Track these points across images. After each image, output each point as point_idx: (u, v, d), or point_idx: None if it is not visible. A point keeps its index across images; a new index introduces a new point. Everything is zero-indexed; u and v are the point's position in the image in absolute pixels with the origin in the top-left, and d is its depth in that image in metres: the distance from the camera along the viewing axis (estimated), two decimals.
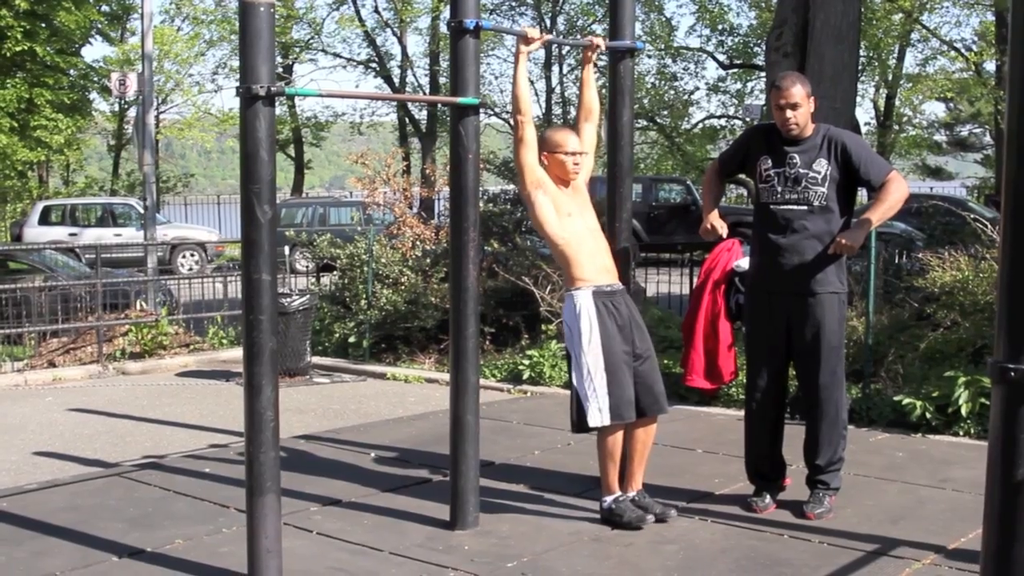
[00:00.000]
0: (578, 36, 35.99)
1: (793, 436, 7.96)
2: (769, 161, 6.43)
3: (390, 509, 6.63)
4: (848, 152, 6.20)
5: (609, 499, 6.25)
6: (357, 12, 39.93)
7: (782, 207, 6.36)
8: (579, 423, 6.15)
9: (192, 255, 28.42)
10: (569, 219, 6.19)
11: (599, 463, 6.26)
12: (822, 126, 6.39)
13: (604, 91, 8.01)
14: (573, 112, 38.04)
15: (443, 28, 35.24)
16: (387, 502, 6.81)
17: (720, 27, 37.26)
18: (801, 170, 6.28)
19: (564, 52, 38.18)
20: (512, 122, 6.19)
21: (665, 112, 38.00)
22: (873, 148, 36.37)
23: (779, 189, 6.37)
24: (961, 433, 8.50)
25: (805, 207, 6.26)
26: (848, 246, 6.08)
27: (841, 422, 6.44)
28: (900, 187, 6.16)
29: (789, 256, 6.34)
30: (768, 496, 6.56)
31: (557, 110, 38.57)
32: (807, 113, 6.28)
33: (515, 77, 6.18)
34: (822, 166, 6.22)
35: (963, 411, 8.45)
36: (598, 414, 6.04)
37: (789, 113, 6.25)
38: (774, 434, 6.69)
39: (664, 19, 38.65)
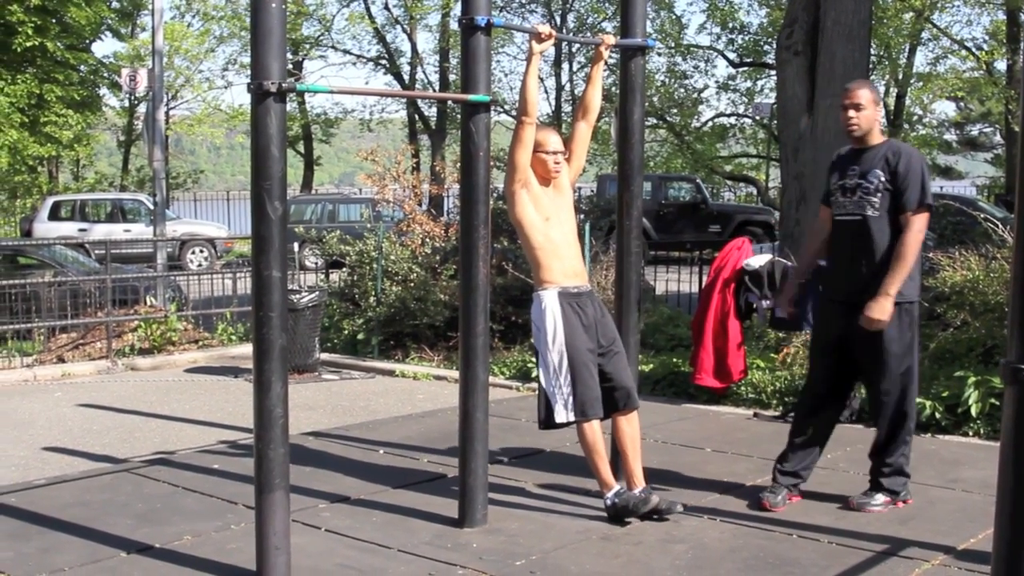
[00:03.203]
0: (588, 34, 35.98)
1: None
2: (836, 175, 6.55)
3: (399, 506, 6.63)
4: (898, 168, 6.21)
5: (611, 494, 6.27)
6: (367, 9, 39.91)
7: (842, 217, 6.46)
8: (546, 420, 6.24)
9: (201, 251, 28.44)
10: (547, 224, 6.25)
11: (588, 463, 6.29)
12: (889, 140, 6.46)
13: (614, 89, 8.01)
14: None
15: (453, 25, 35.23)
16: (396, 499, 6.81)
17: (730, 25, 37.20)
18: (858, 180, 6.36)
19: (574, 50, 38.16)
20: (516, 120, 6.19)
21: (675, 110, 37.95)
22: None
23: (841, 200, 6.46)
24: (971, 433, 8.49)
25: (859, 217, 6.34)
26: (874, 321, 6.18)
27: (905, 430, 6.43)
28: (912, 239, 6.13)
29: (847, 265, 6.45)
30: (781, 495, 6.55)
31: (567, 108, 38.54)
32: (870, 118, 6.35)
33: (526, 76, 6.17)
34: (876, 176, 6.27)
35: (973, 411, 8.44)
36: (564, 411, 6.15)
37: (852, 113, 6.36)
38: (815, 438, 6.69)
39: (674, 17, 38.61)
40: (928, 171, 6.33)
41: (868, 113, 6.34)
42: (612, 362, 6.33)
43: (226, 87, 50.71)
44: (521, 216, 6.23)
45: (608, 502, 6.28)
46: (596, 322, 6.30)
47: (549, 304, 6.19)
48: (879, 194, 6.25)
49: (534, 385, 11.02)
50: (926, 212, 6.22)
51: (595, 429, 6.19)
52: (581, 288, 6.32)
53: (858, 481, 7.02)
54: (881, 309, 6.15)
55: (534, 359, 6.61)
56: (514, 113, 32.94)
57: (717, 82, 39.95)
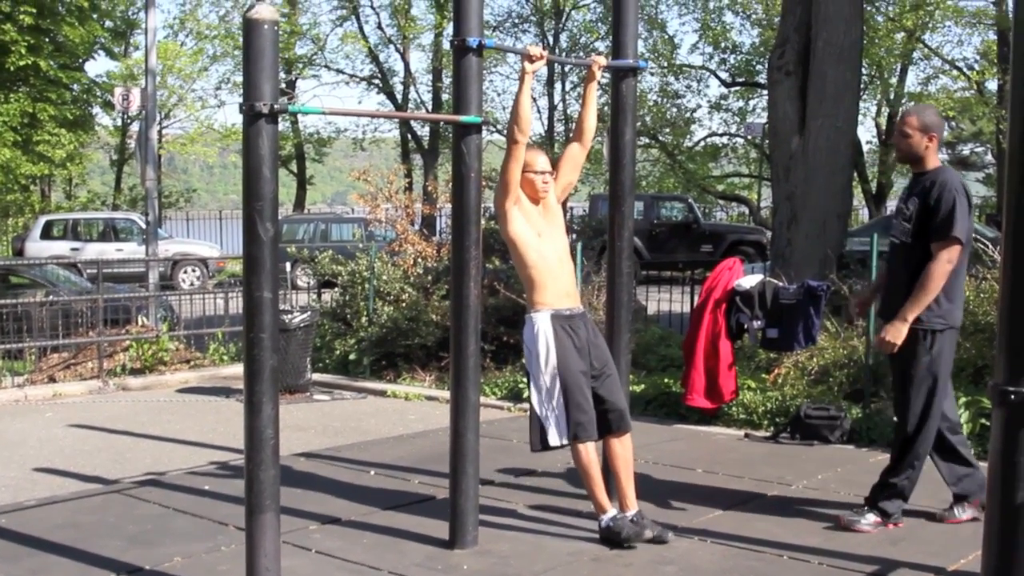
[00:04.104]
0: (581, 54, 36.03)
1: (786, 454, 8.01)
2: (899, 198, 6.73)
3: (389, 528, 6.63)
4: (930, 198, 6.21)
5: (606, 517, 6.25)
6: (360, 29, 40.03)
7: (891, 239, 6.59)
8: (540, 442, 6.22)
9: (194, 271, 28.43)
10: (539, 240, 6.27)
11: (584, 484, 6.29)
12: (941, 169, 6.43)
13: (606, 108, 8.03)
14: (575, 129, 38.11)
15: (446, 45, 35.29)
16: (386, 520, 6.81)
17: (723, 45, 37.32)
18: (901, 205, 6.50)
19: (567, 70, 38.23)
20: (508, 139, 6.21)
21: (667, 130, 38.02)
22: (875, 167, 36.40)
23: (893, 223, 6.60)
24: None
25: (897, 241, 6.46)
26: (886, 343, 6.29)
27: (913, 455, 6.40)
28: (935, 269, 6.14)
29: (887, 287, 6.62)
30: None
31: (559, 127, 38.60)
32: (916, 144, 6.40)
33: (519, 96, 6.18)
34: (914, 203, 6.33)
35: (963, 432, 8.44)
36: (556, 434, 6.15)
37: (897, 138, 6.50)
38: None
39: (667, 37, 38.71)
40: (965, 205, 6.23)
41: (913, 140, 6.37)
42: (605, 384, 6.31)
43: (219, 106, 50.86)
44: (514, 233, 6.24)
45: (602, 524, 6.28)
46: (589, 344, 6.30)
47: (542, 327, 6.18)
48: (913, 220, 6.31)
49: (525, 406, 11.03)
50: (955, 244, 6.16)
51: (590, 451, 6.19)
52: (574, 310, 6.31)
53: (849, 502, 7.03)
54: (893, 332, 6.24)
55: (525, 381, 6.61)
56: (507, 133, 32.95)
57: (709, 102, 39.93)
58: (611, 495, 6.42)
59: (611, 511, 6.26)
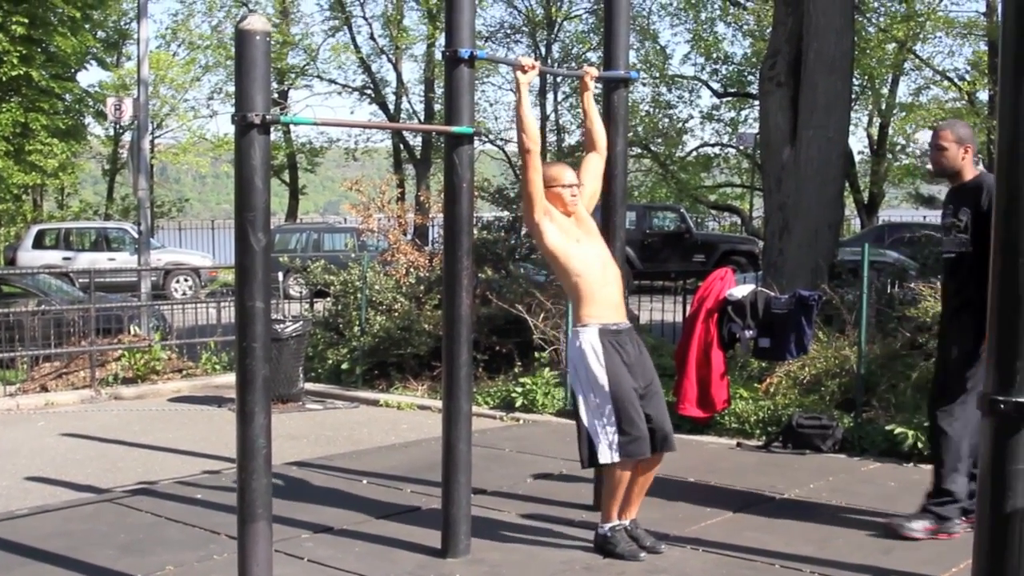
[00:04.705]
0: (573, 64, 36.07)
1: (778, 463, 8.01)
2: (941, 215, 6.66)
3: (381, 536, 6.63)
4: (984, 203, 6.15)
5: (607, 527, 6.21)
6: (353, 39, 40.07)
7: (944, 255, 6.57)
8: (590, 459, 6.07)
9: (186, 280, 28.41)
10: (578, 246, 6.16)
11: (604, 491, 6.22)
12: (983, 174, 6.42)
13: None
14: (567, 139, 38.15)
15: (438, 56, 35.33)
16: (379, 529, 6.81)
17: (714, 56, 37.39)
18: (952, 219, 6.42)
19: (559, 81, 38.26)
20: (520, 151, 6.16)
21: (659, 140, 38.06)
22: (866, 177, 36.44)
23: (943, 239, 6.56)
24: None
25: (953, 255, 6.41)
26: None
27: (950, 456, 6.35)
28: None
29: (946, 300, 6.58)
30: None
31: (551, 137, 38.62)
32: (953, 157, 6.38)
33: (519, 108, 6.16)
34: (966, 214, 6.29)
35: None
36: (608, 451, 5.96)
37: (934, 153, 6.46)
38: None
39: (659, 47, 38.79)
40: None
41: (950, 153, 6.36)
42: (652, 403, 6.14)
43: (211, 116, 50.70)
44: (551, 244, 6.13)
45: (601, 531, 6.23)
46: (636, 361, 6.15)
47: (590, 342, 6.03)
48: (968, 230, 6.27)
49: (518, 415, 11.10)
50: None
51: (630, 471, 6.07)
52: (621, 325, 6.16)
53: (840, 511, 7.05)
54: None
55: (573, 395, 6.43)
56: (499, 143, 32.71)
57: (701, 112, 39.98)
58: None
59: (614, 522, 6.21)
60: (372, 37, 39.87)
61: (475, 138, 6.18)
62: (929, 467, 8.37)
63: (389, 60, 40.49)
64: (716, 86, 37.74)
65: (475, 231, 7.20)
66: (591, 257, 6.17)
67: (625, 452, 5.96)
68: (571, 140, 38.31)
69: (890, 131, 37.17)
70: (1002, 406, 3.39)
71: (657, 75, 37.91)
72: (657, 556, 6.16)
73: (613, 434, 5.95)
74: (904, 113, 36.06)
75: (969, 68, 35.27)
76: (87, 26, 32.78)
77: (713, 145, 39.77)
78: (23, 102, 29.92)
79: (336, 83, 41.32)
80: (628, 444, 5.95)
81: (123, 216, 37.90)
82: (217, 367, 14.65)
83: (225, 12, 39.25)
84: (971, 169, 6.41)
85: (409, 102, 41.12)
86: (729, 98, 38.02)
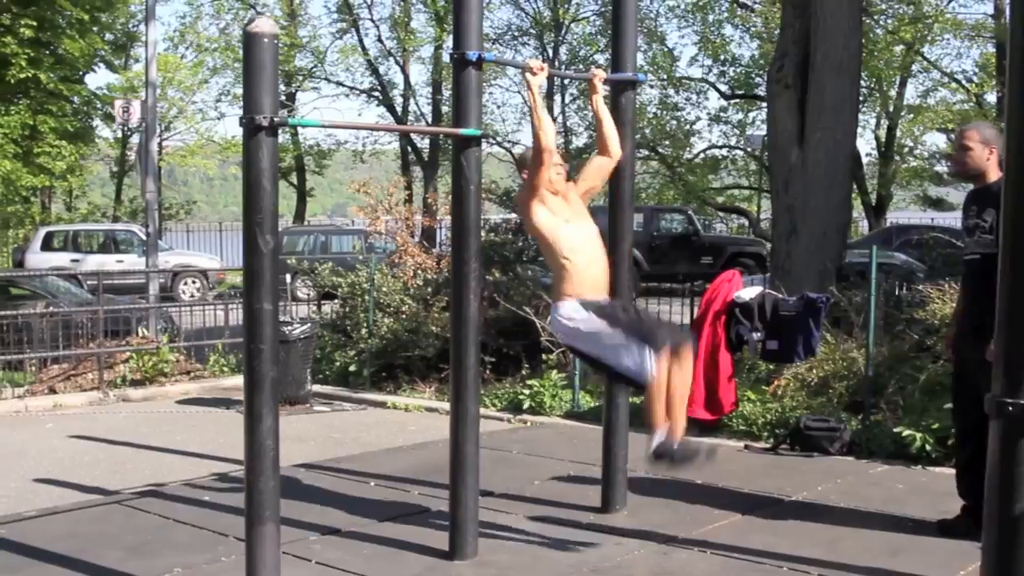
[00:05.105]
0: (580, 67, 36.05)
1: (785, 466, 7.99)
2: (962, 216, 6.59)
3: (389, 539, 6.63)
4: None
5: (660, 437, 6.04)
6: (360, 41, 40.11)
7: (966, 257, 6.49)
8: (641, 384, 6.00)
9: (194, 282, 28.44)
10: (568, 226, 6.22)
11: (647, 403, 6.05)
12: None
13: None
14: (575, 141, 38.12)
15: (446, 58, 35.33)
16: (386, 532, 6.81)
17: (722, 58, 37.38)
18: (975, 220, 6.36)
19: (566, 83, 38.26)
20: (535, 148, 6.16)
21: (667, 142, 38.06)
22: (874, 179, 36.39)
23: (966, 240, 6.49)
24: None
25: (978, 256, 6.33)
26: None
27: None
28: None
29: (970, 305, 6.46)
30: None
31: (559, 139, 38.60)
32: (978, 157, 6.33)
33: (533, 109, 6.17)
34: (991, 215, 6.22)
35: None
36: (651, 362, 5.87)
37: (958, 153, 6.43)
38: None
39: (666, 50, 38.78)
40: None
41: (974, 153, 6.32)
42: (642, 314, 6.33)
43: (219, 118, 50.79)
44: (538, 223, 6.19)
45: (662, 445, 6.06)
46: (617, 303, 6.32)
47: (573, 308, 6.08)
48: (995, 231, 6.17)
49: (525, 417, 11.09)
50: None
51: (662, 370, 5.91)
52: (602, 302, 6.17)
53: (848, 513, 7.04)
54: None
55: (596, 363, 6.36)
56: (506, 145, 32.65)
57: (709, 114, 39.94)
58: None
59: (663, 430, 6.05)
60: (380, 39, 39.96)
61: (483, 140, 6.18)
62: (937, 469, 8.41)
63: (397, 62, 40.54)
64: (724, 88, 37.73)
65: (483, 233, 7.20)
66: (579, 238, 6.22)
67: (658, 345, 5.87)
68: (579, 142, 38.31)
69: (898, 133, 37.16)
70: (1010, 408, 3.39)
71: (665, 77, 37.91)
72: (664, 558, 6.16)
73: (643, 348, 5.87)
74: (912, 115, 36.03)
75: (977, 70, 35.24)
76: (95, 29, 32.79)
77: (721, 147, 39.79)
78: (31, 104, 29.94)
79: (344, 85, 41.39)
80: (658, 337, 5.91)
81: (131, 218, 37.95)
82: (225, 369, 14.66)
83: (233, 15, 39.35)
84: (995, 170, 6.37)
85: (417, 104, 41.21)
86: (737, 100, 38.00)
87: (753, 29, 36.38)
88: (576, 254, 6.17)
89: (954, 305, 9.83)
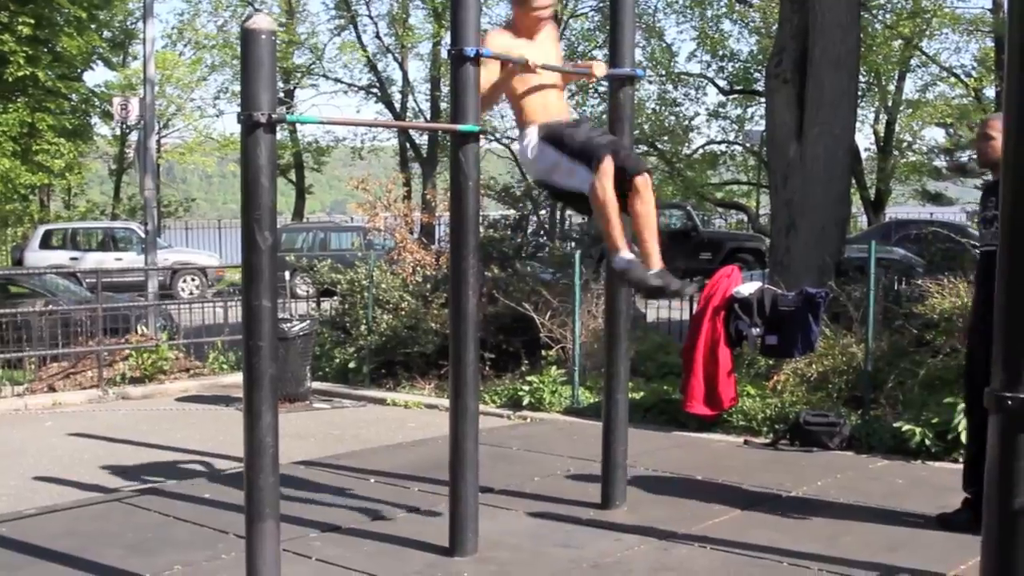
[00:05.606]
0: (579, 61, 35.97)
1: (785, 461, 7.99)
2: (980, 208, 6.57)
3: (390, 535, 6.63)
4: None
5: (623, 257, 6.22)
6: (358, 37, 40.06)
7: (984, 249, 6.44)
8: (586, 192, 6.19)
9: (193, 280, 28.44)
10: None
11: (601, 224, 6.23)
12: None
13: (604, 117, 8.04)
14: None
15: (444, 54, 35.34)
16: (386, 528, 6.81)
17: (720, 53, 37.33)
18: (995, 211, 6.23)
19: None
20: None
21: (666, 138, 38.02)
22: (873, 174, 36.40)
23: (983, 232, 6.45)
24: (960, 460, 8.47)
25: (995, 248, 6.26)
26: None
27: None
28: None
29: (987, 297, 6.39)
30: None
31: None
32: (999, 148, 6.26)
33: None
34: None
35: (962, 437, 8.42)
36: (587, 175, 6.13)
37: (980, 143, 6.46)
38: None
39: (665, 45, 38.72)
40: None
41: (997, 143, 6.23)
42: (600, 129, 6.48)
43: (217, 115, 50.76)
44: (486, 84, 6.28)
45: (618, 263, 6.27)
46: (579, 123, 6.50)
47: (536, 136, 6.38)
48: None
49: (525, 414, 11.11)
50: None
51: (605, 183, 6.07)
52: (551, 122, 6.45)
53: (848, 508, 7.05)
54: None
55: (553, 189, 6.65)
56: (504, 141, 32.56)
57: (707, 109, 39.97)
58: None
59: (624, 250, 6.23)
60: (378, 36, 39.91)
61: (481, 136, 6.18)
62: (936, 464, 8.42)
63: (395, 59, 40.52)
64: (722, 83, 37.67)
65: (481, 229, 7.22)
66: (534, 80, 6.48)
67: (596, 157, 6.10)
68: None
69: (896, 128, 37.13)
70: (1009, 403, 3.39)
71: (663, 73, 37.87)
72: (664, 553, 6.16)
73: (580, 165, 6.17)
74: (911, 110, 36.00)
75: (976, 64, 35.21)
76: (93, 26, 32.78)
77: (719, 143, 39.73)
78: (30, 102, 29.93)
79: (342, 82, 41.34)
80: (588, 150, 6.17)
81: (130, 216, 37.96)
82: (224, 366, 14.67)
83: (231, 11, 39.28)
84: None
85: (415, 101, 41.17)
86: (735, 95, 37.95)
87: (751, 24, 36.34)
88: (534, 90, 6.49)
89: (953, 300, 9.87)
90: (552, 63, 6.52)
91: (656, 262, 6.25)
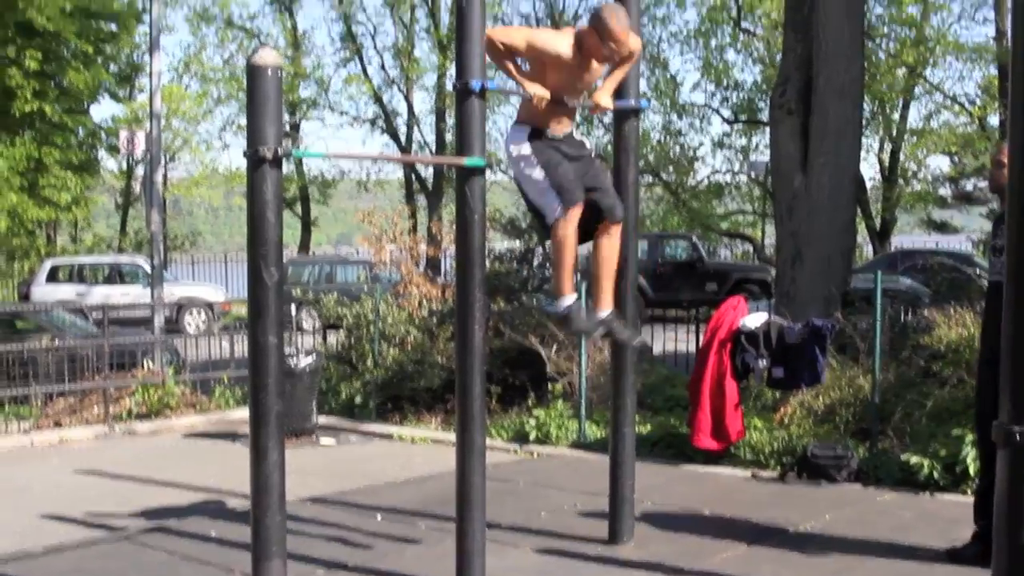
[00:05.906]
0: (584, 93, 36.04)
1: (793, 494, 7.95)
2: (992, 236, 6.58)
3: (396, 573, 6.61)
4: None
5: (564, 303, 6.26)
6: (364, 70, 40.26)
7: (994, 279, 6.42)
8: (545, 227, 6.23)
9: (199, 314, 28.45)
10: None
11: (552, 262, 6.33)
12: None
13: (609, 149, 8.05)
14: None
15: (449, 86, 35.44)
16: (394, 565, 6.78)
17: (725, 83, 37.44)
18: (1004, 242, 6.27)
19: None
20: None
21: (670, 168, 38.08)
22: (878, 203, 36.41)
23: (993, 260, 6.43)
24: (969, 492, 8.41)
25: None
26: None
27: None
28: None
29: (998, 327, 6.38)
30: None
31: None
32: None
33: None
34: None
35: (971, 470, 8.39)
36: (558, 204, 6.12)
37: (994, 170, 6.43)
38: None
39: (669, 76, 38.84)
40: None
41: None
42: (587, 166, 6.35)
43: (224, 149, 51.02)
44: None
45: (562, 308, 6.31)
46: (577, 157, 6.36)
47: (530, 149, 6.30)
48: None
49: (532, 448, 11.07)
50: None
51: (570, 227, 6.12)
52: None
53: (856, 542, 7.01)
54: None
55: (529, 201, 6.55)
56: (511, 174, 32.75)
57: (712, 139, 39.99)
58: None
59: (566, 296, 6.28)
60: (383, 68, 40.11)
61: (487, 169, 6.18)
62: (945, 496, 8.37)
63: (400, 91, 40.71)
64: (727, 113, 37.78)
65: (487, 263, 7.23)
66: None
67: (567, 200, 6.09)
68: None
69: (901, 156, 37.17)
70: (1018, 436, 3.37)
71: (668, 103, 37.95)
72: None
73: (554, 196, 6.14)
74: (915, 138, 36.08)
75: (980, 92, 35.28)
76: (99, 60, 32.95)
77: (724, 173, 39.80)
78: (36, 136, 30.07)
79: (347, 115, 41.52)
80: (560, 190, 6.13)
81: (136, 249, 38.01)
82: (231, 402, 14.64)
83: (237, 44, 39.49)
84: None
85: (420, 133, 41.30)
86: (740, 125, 38.05)
87: (755, 54, 36.46)
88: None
89: (960, 330, 9.85)
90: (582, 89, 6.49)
91: (607, 304, 6.36)
